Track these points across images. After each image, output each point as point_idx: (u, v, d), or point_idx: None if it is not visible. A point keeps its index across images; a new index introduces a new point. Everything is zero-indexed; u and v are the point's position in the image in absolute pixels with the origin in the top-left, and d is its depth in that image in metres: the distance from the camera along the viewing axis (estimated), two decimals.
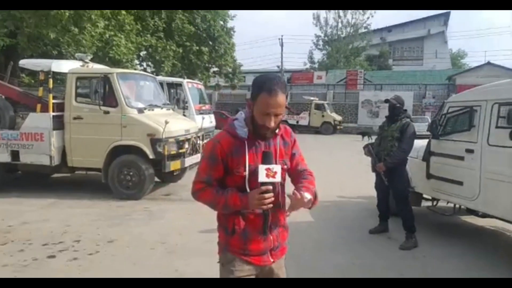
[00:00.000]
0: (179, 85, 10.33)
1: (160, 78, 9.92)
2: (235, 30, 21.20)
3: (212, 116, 11.56)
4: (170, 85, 10.27)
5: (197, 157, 7.72)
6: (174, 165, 6.87)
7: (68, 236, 4.82)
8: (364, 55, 42.52)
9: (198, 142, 7.95)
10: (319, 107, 25.44)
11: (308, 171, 1.95)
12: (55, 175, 7.81)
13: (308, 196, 1.73)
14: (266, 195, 1.66)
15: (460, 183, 4.62)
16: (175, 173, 7.57)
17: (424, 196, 5.59)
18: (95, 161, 6.81)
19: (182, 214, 5.96)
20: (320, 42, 43.96)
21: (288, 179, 1.96)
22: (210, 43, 19.75)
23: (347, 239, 4.99)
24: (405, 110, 4.89)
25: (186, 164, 7.27)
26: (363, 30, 42.26)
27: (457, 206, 5.02)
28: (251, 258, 1.84)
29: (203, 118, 9.52)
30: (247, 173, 1.76)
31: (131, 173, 6.69)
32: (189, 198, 6.60)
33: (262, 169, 1.66)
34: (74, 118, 6.85)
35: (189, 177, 8.32)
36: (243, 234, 1.81)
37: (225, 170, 1.80)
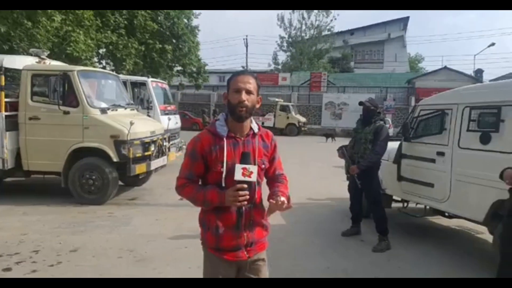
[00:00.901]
0: (143, 84, 9.94)
1: (123, 76, 9.49)
2: (199, 29, 20.86)
3: (178, 116, 11.25)
4: (134, 84, 9.87)
5: (163, 160, 7.46)
6: (139, 169, 6.57)
7: (25, 246, 4.44)
8: (327, 57, 43.19)
9: (165, 144, 7.68)
10: (284, 108, 25.59)
11: (283, 176, 2.09)
12: (9, 179, 7.25)
13: (284, 200, 1.85)
14: (241, 193, 1.74)
15: (431, 185, 4.69)
16: (140, 177, 7.25)
17: (394, 198, 5.65)
18: (54, 164, 6.37)
19: (150, 219, 5.69)
20: (284, 44, 44.21)
21: (264, 181, 2.04)
22: (174, 41, 19.28)
23: (321, 242, 4.93)
24: (379, 113, 4.90)
25: (152, 167, 6.98)
26: (327, 33, 42.90)
27: (426, 207, 5.12)
28: (225, 255, 1.91)
29: (169, 119, 9.21)
30: (224, 169, 1.84)
31: (93, 177, 6.30)
32: (156, 203, 6.35)
33: (238, 168, 1.76)
34: (30, 118, 6.38)
35: (154, 181, 8.12)
36: (216, 231, 1.89)
37: (205, 167, 1.89)
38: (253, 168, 1.77)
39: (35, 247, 4.42)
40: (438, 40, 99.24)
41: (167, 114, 10.15)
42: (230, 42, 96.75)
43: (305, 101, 29.99)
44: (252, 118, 1.96)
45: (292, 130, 25.07)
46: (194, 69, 21.17)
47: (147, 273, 3.79)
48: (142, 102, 9.34)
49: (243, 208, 1.84)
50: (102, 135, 6.29)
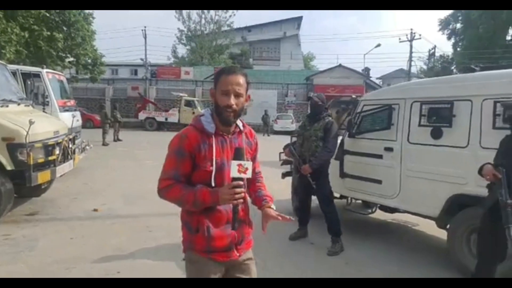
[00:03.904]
0: (37, 75, 8.41)
1: (12, 66, 7.83)
2: (94, 16, 18.88)
3: (79, 113, 9.85)
4: (25, 76, 8.25)
5: (69, 165, 6.34)
6: (42, 177, 5.41)
7: None
8: (227, 53, 43.14)
9: (70, 145, 6.54)
10: (189, 103, 24.73)
11: (260, 174, 2.12)
12: None
13: (274, 207, 1.93)
14: (238, 190, 1.69)
15: (378, 181, 4.61)
16: (43, 186, 6.04)
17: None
18: None
19: (62, 239, 4.68)
20: (184, 37, 42.96)
21: None
22: (65, 29, 17.14)
23: (269, 249, 4.48)
24: (327, 109, 4.67)
25: (58, 174, 5.85)
26: (226, 28, 42.81)
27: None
28: (216, 255, 1.83)
29: (73, 116, 7.94)
30: (213, 168, 1.78)
31: None
32: (64, 217, 5.23)
33: (234, 164, 1.69)
34: None
35: (55, 189, 6.87)
36: (207, 232, 1.79)
37: (192, 165, 1.80)
38: (248, 164, 1.71)
39: None
40: (327, 40, 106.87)
41: (66, 110, 8.78)
42: (126, 33, 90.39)
43: (209, 96, 29.48)
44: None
45: None
46: (89, 61, 19.13)
47: None
48: (36, 97, 7.83)
49: (238, 206, 1.76)
50: None
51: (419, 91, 4.31)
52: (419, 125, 4.15)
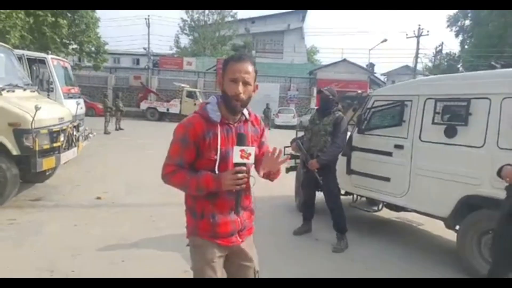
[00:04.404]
0: (42, 61, 8.33)
1: (17, 51, 7.75)
2: None
3: (82, 101, 9.79)
4: (31, 61, 8.18)
5: (73, 152, 6.30)
6: (47, 163, 5.38)
7: None
8: (230, 44, 42.93)
9: (74, 133, 6.49)
10: (190, 94, 24.59)
11: None
12: None
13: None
14: (240, 175, 1.72)
15: (386, 179, 4.56)
16: (47, 173, 6.01)
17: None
18: None
19: (66, 226, 4.66)
20: (187, 27, 42.74)
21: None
22: (69, 15, 16.98)
23: (274, 244, 4.45)
24: (337, 103, 4.60)
25: (62, 161, 5.82)
26: (230, 19, 42.56)
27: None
28: (220, 240, 1.88)
29: (78, 104, 7.88)
30: (218, 157, 1.79)
31: None
32: (68, 204, 5.16)
33: (237, 150, 1.71)
34: None
35: (58, 176, 6.84)
36: (211, 218, 1.84)
37: (196, 153, 1.81)
38: (251, 150, 1.74)
39: None
40: (332, 34, 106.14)
41: (70, 97, 8.72)
42: (124, 21, 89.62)
43: (212, 87, 29.34)
44: None
45: None
46: (93, 48, 18.98)
47: None
48: (41, 83, 7.77)
49: (241, 191, 1.80)
50: None
51: (433, 87, 4.23)
52: (433, 123, 4.08)
